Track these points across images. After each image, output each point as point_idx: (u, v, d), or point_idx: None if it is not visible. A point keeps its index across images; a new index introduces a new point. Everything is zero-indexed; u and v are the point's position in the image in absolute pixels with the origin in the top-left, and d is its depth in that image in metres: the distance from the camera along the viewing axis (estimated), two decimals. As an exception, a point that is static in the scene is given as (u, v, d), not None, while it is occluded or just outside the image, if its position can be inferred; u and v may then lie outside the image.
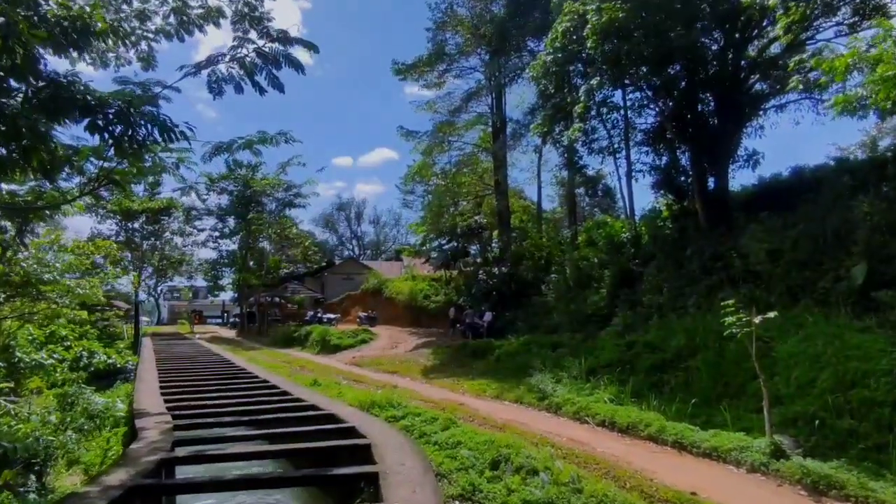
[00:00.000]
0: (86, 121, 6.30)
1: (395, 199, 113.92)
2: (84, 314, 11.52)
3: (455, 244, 31.18)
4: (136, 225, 41.39)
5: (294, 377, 17.24)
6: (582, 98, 15.88)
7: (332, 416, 7.94)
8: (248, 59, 7.37)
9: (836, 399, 8.87)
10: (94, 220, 41.20)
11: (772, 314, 8.56)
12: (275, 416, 7.92)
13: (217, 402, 8.33)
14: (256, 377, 10.98)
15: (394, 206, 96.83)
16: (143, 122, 6.26)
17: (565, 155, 20.09)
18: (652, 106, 21.02)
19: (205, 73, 7.34)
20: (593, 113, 17.45)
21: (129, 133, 6.08)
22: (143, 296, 57.49)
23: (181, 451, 6.48)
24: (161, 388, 9.65)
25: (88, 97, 6.06)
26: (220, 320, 66.47)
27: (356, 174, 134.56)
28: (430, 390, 16.15)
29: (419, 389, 16.06)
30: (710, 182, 20.28)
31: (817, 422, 8.58)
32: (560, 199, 41.74)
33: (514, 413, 13.01)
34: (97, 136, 6.13)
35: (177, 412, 7.45)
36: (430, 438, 9.89)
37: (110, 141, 6.23)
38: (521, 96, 29.56)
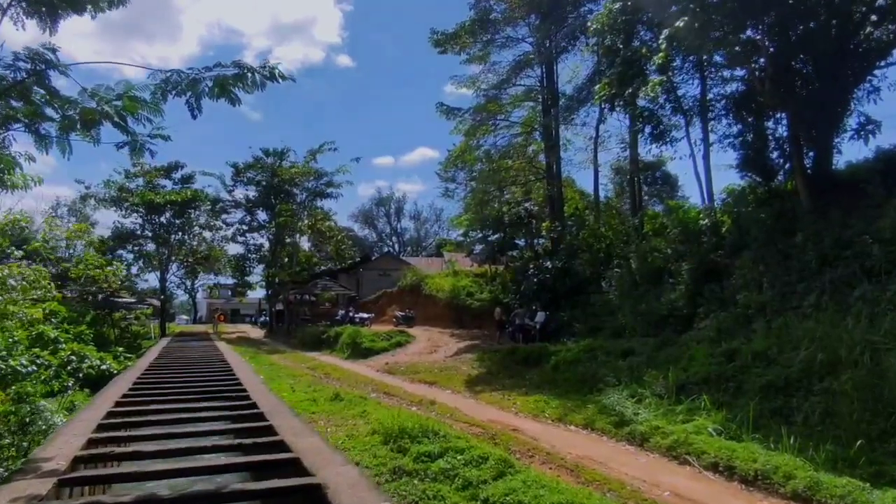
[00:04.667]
0: None
1: (436, 194, 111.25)
2: (38, 313, 9.12)
3: (501, 235, 28.11)
4: (164, 219, 39.81)
5: (314, 388, 14.74)
6: (663, 46, 12.66)
7: (317, 491, 5.02)
8: None
9: None
10: (119, 213, 39.97)
11: None
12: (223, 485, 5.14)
13: (161, 448, 5.73)
14: (246, 397, 8.37)
15: (434, 202, 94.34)
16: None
17: (638, 121, 16.76)
18: (738, 67, 17.57)
19: None
20: (677, 64, 14.13)
21: None
22: (180, 293, 56.70)
23: None
24: (110, 413, 7.14)
25: None
26: (263, 318, 64.99)
27: (397, 173, 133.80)
28: (476, 408, 13.31)
29: (462, 406, 13.26)
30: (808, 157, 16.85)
31: None
32: (615, 188, 38.13)
33: (585, 444, 10.03)
34: None
35: (81, 473, 4.87)
36: (479, 492, 7.00)
37: None
38: (574, 69, 26.28)
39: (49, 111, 6.56)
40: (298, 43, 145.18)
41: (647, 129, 17.03)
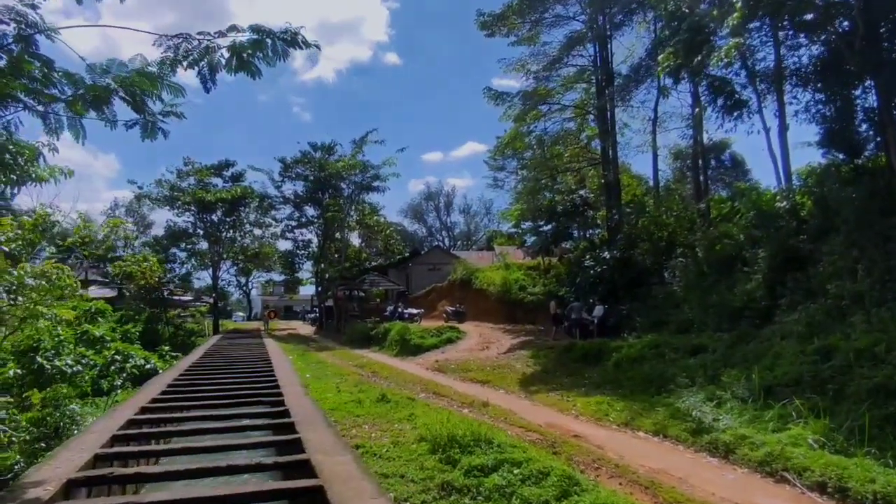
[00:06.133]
0: None
1: (486, 187, 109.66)
2: (69, 313, 8.68)
3: (554, 226, 26.72)
4: (215, 217, 40.20)
5: (360, 388, 14.07)
6: (738, 6, 11.19)
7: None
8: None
9: None
10: (172, 212, 40.67)
11: None
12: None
13: (168, 469, 4.91)
14: (280, 402, 7.64)
15: (484, 195, 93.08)
16: None
17: (705, 95, 15.17)
18: (820, 32, 15.73)
19: None
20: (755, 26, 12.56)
21: None
22: (235, 290, 57.80)
23: None
24: (131, 421, 6.47)
25: None
26: (313, 315, 65.65)
27: (446, 168, 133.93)
28: (532, 410, 12.30)
29: (517, 408, 12.28)
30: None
31: None
32: (674, 173, 36.07)
33: (658, 455, 8.86)
34: None
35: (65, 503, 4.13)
36: (539, 519, 6.02)
37: None
38: (629, 47, 24.62)
39: (51, 91, 5.93)
40: (347, 43, 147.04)
41: (720, 101, 15.39)
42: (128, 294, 33.78)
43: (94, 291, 35.11)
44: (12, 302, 7.46)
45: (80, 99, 6.07)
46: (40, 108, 6.26)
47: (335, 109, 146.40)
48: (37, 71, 5.35)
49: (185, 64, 5.93)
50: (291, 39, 6.12)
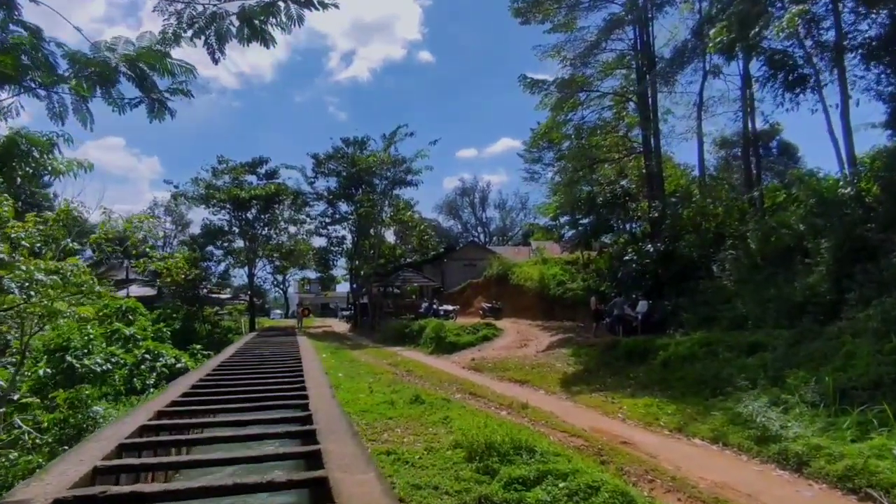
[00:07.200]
0: None
1: (521, 183, 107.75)
2: (89, 311, 8.32)
3: (593, 218, 25.68)
4: (250, 215, 40.38)
5: (394, 389, 13.52)
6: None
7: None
8: None
9: None
10: (208, 210, 41.03)
11: None
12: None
13: (168, 488, 4.24)
14: (305, 406, 7.09)
15: (519, 189, 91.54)
16: None
17: (766, 67, 13.98)
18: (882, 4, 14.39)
19: None
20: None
21: None
22: (271, 288, 58.30)
23: None
24: (143, 428, 5.96)
25: None
26: (347, 313, 65.81)
27: (481, 165, 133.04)
28: (574, 412, 11.54)
29: (558, 411, 11.54)
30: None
31: None
32: (719, 163, 34.45)
33: (719, 466, 8.02)
34: None
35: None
36: (590, 544, 5.29)
37: None
38: (672, 29, 23.33)
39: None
40: (381, 42, 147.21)
41: (780, 77, 14.16)
42: (165, 292, 34.16)
43: (134, 290, 35.74)
44: (25, 298, 7.07)
45: (81, 77, 5.62)
46: (41, 90, 5.85)
47: (370, 108, 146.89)
48: (26, 44, 4.87)
49: (189, 33, 5.41)
50: (306, 0, 5.54)
